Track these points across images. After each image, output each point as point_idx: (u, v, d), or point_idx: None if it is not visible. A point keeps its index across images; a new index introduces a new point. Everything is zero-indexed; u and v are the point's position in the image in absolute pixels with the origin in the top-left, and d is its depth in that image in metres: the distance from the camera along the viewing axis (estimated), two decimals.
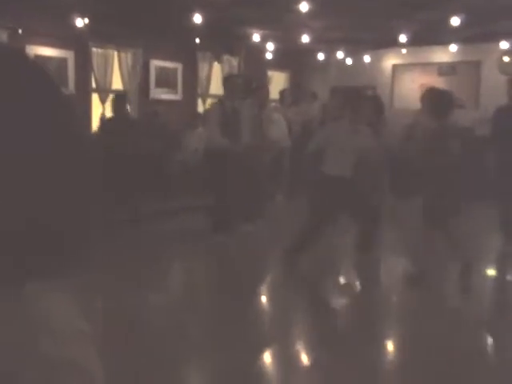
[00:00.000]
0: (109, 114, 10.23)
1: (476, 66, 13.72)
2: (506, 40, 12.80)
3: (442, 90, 6.89)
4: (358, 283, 6.73)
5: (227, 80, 8.17)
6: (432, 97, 6.49)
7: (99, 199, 0.76)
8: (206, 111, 8.32)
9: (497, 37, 12.49)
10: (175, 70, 12.18)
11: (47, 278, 0.70)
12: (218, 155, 7.50)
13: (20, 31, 9.31)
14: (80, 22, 9.83)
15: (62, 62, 10.25)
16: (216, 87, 12.90)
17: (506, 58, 13.46)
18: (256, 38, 11.82)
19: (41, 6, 8.84)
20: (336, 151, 6.45)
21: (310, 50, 13.61)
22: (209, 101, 12.28)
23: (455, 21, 10.29)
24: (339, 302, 6.06)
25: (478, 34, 11.96)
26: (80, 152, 0.71)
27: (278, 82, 14.63)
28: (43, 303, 0.70)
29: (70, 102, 0.72)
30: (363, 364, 4.30)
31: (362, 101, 7.44)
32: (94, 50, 10.70)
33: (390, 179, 7.60)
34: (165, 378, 3.98)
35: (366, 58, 14.42)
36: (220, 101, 7.88)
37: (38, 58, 9.46)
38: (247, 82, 9.28)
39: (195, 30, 10.47)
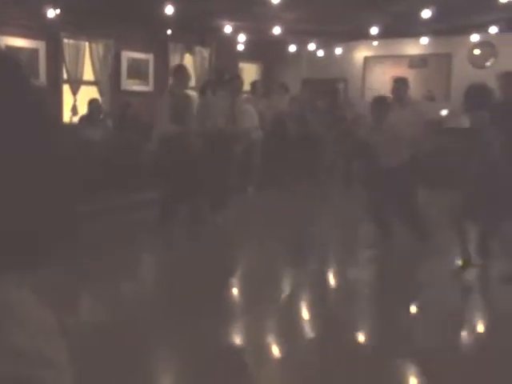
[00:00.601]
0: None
1: (447, 58, 13.83)
2: (476, 33, 12.93)
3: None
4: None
5: (176, 70, 8.27)
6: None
7: (71, 192, 0.76)
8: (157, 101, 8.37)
9: (467, 30, 12.60)
10: (147, 61, 12.13)
11: (19, 271, 0.71)
12: (167, 143, 7.57)
13: None
14: (51, 13, 9.75)
15: (34, 52, 10.15)
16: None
17: (476, 51, 13.60)
18: (228, 29, 11.81)
19: None
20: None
21: (282, 42, 13.62)
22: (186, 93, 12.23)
23: (426, 13, 10.37)
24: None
25: (448, 27, 12.06)
26: (50, 144, 0.72)
27: (249, 73, 14.61)
28: (13, 295, 0.70)
29: (40, 93, 0.73)
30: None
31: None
32: (65, 40, 10.59)
33: None
34: (134, 370, 3.98)
35: (338, 50, 14.46)
36: (170, 90, 7.94)
37: (9, 48, 9.36)
38: (219, 74, 9.33)
39: (167, 21, 10.43)
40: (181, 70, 8.19)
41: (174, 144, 7.55)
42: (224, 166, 8.61)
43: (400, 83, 7.92)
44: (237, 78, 9.10)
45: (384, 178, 6.82)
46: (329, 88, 13.12)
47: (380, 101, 7.11)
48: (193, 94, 9.13)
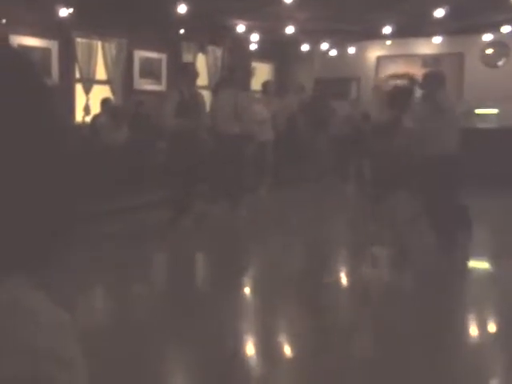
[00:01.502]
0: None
1: (459, 57, 13.79)
2: (488, 32, 12.89)
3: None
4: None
5: (184, 67, 8.34)
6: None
7: (80, 192, 0.76)
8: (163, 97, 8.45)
9: (480, 29, 12.56)
10: (159, 60, 12.13)
11: (29, 270, 0.71)
12: (177, 140, 7.61)
13: (3, 21, 9.22)
14: (64, 12, 9.77)
15: (46, 52, 10.15)
16: (200, 78, 12.86)
17: (488, 50, 13.55)
18: (240, 28, 11.81)
19: None
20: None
21: (294, 41, 13.62)
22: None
23: (439, 13, 10.34)
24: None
25: (461, 27, 12.03)
26: (62, 144, 0.71)
27: (262, 72, 14.62)
28: (26, 294, 0.70)
29: (52, 93, 0.72)
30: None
31: None
32: (77, 40, 10.59)
33: None
34: (141, 369, 3.99)
35: (351, 50, 14.45)
36: (178, 88, 7.96)
37: (22, 47, 9.37)
38: (231, 72, 9.34)
39: (180, 20, 10.44)
40: (188, 67, 8.23)
41: (183, 141, 7.58)
42: (235, 165, 8.64)
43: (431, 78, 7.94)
44: (238, 72, 9.18)
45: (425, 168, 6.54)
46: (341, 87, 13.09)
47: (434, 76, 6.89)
48: (202, 92, 9.12)
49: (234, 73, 9.23)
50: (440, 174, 6.32)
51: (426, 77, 6.79)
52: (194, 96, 7.89)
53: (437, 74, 6.81)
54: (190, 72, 7.93)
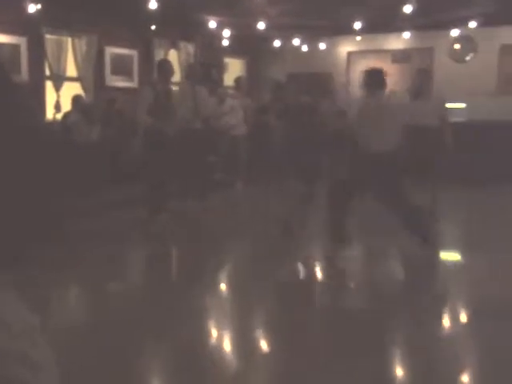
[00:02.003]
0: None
1: (429, 52, 13.94)
2: (456, 27, 13.05)
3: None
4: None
5: (160, 64, 8.31)
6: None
7: (53, 191, 0.75)
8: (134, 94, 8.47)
9: (448, 24, 12.71)
10: (131, 57, 12.04)
11: (1, 270, 0.70)
12: (148, 137, 7.64)
13: None
14: (32, 8, 9.65)
15: (15, 48, 10.00)
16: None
17: (456, 45, 13.72)
18: (212, 24, 11.79)
19: None
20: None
21: (266, 37, 13.63)
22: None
23: (408, 8, 10.45)
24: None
25: (430, 22, 12.15)
26: (31, 142, 0.71)
27: (234, 68, 14.63)
28: None
29: (20, 90, 0.72)
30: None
31: None
32: (47, 36, 10.47)
33: None
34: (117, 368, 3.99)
35: (322, 45, 14.53)
36: (151, 84, 7.96)
37: None
38: (204, 68, 9.37)
39: (151, 16, 10.38)
40: (164, 64, 8.23)
41: (156, 138, 7.59)
42: (207, 160, 8.72)
43: (422, 74, 8.05)
44: (194, 66, 9.24)
45: (371, 165, 6.48)
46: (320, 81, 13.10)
47: (374, 73, 6.88)
48: (176, 89, 9.15)
49: (200, 68, 9.27)
50: (381, 171, 6.38)
51: (366, 74, 6.91)
52: (168, 93, 7.89)
53: (377, 72, 6.91)
54: (166, 69, 7.93)
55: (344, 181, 6.78)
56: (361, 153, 6.52)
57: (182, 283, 6.01)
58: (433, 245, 6.61)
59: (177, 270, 6.97)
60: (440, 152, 7.90)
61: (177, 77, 12.77)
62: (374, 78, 6.69)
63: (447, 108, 8.09)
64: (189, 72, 9.08)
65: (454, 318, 5.07)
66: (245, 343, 4.46)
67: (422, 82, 8.10)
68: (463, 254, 7.25)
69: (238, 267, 6.73)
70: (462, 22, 12.48)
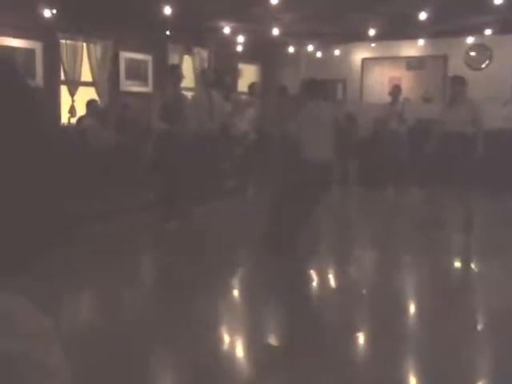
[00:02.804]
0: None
1: (443, 60, 13.89)
2: (471, 35, 13.02)
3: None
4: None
5: (170, 69, 8.37)
6: None
7: (67, 194, 0.75)
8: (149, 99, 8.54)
9: (463, 32, 12.67)
10: (145, 62, 12.08)
11: (10, 274, 0.70)
12: (160, 142, 7.66)
13: None
14: (48, 13, 9.70)
15: (30, 53, 10.04)
16: (187, 80, 12.84)
17: (471, 53, 13.66)
18: (226, 30, 11.81)
19: None
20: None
21: (280, 43, 13.64)
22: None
23: (423, 15, 10.42)
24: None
25: (445, 29, 12.12)
26: (46, 146, 0.70)
27: (248, 74, 14.64)
28: (5, 300, 0.69)
29: (35, 95, 0.71)
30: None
31: None
32: (62, 41, 10.51)
33: None
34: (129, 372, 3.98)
35: (336, 52, 14.51)
36: (163, 88, 7.98)
37: (4, 48, 9.30)
38: (218, 74, 9.40)
39: (165, 21, 10.42)
40: (173, 69, 8.27)
41: (168, 143, 7.61)
42: (219, 167, 8.77)
43: (458, 81, 8.07)
44: (209, 72, 9.30)
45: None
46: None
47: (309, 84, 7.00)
48: (191, 94, 9.21)
49: (214, 74, 9.32)
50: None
51: (301, 84, 6.98)
52: (179, 98, 7.91)
53: (312, 82, 6.97)
54: (175, 74, 7.95)
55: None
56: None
57: (192, 289, 6.00)
58: None
59: (187, 276, 6.96)
60: (472, 159, 7.88)
61: (190, 82, 12.84)
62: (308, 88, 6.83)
63: (481, 115, 8.07)
64: (204, 78, 9.12)
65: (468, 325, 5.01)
66: (256, 349, 4.43)
67: (457, 89, 8.08)
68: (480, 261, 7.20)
69: (248, 274, 6.70)
70: (477, 30, 12.43)
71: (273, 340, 4.70)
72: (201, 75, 9.56)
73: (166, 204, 7.89)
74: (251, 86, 11.72)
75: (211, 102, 8.71)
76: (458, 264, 7.28)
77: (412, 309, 5.58)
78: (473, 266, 7.21)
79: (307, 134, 6.56)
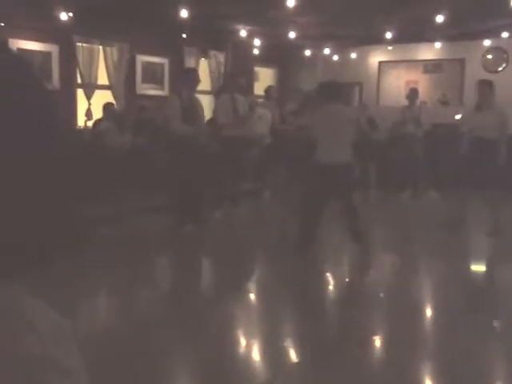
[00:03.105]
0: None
1: (460, 63, 13.82)
2: (488, 38, 12.95)
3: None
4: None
5: (186, 73, 8.41)
6: None
7: (82, 197, 0.76)
8: (165, 102, 8.59)
9: (480, 35, 12.60)
10: (162, 65, 12.10)
11: (25, 276, 0.70)
12: (181, 143, 7.66)
13: (2, 24, 9.19)
14: (64, 16, 9.74)
15: (46, 56, 10.09)
16: (203, 83, 12.85)
17: (488, 56, 13.59)
18: (243, 33, 11.81)
19: None
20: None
21: (297, 46, 13.62)
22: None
23: (440, 18, 10.36)
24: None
25: (462, 32, 12.06)
26: (62, 149, 0.70)
27: (264, 77, 14.64)
28: (24, 302, 0.69)
29: (52, 97, 0.71)
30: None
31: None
32: (78, 44, 10.54)
33: None
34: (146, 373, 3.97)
35: (353, 55, 14.48)
36: (178, 92, 7.99)
37: (21, 51, 9.33)
38: (235, 78, 9.46)
39: (182, 25, 10.43)
40: (189, 73, 8.28)
41: (186, 146, 7.62)
42: (237, 168, 8.79)
43: (485, 86, 8.06)
44: (237, 76, 9.34)
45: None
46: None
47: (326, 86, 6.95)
48: (205, 97, 9.27)
49: (235, 78, 9.35)
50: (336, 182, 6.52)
51: (319, 87, 6.94)
52: (194, 101, 7.92)
53: (330, 84, 6.93)
54: (192, 78, 7.96)
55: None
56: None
57: (208, 292, 5.99)
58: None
59: (203, 279, 6.95)
60: (497, 164, 7.85)
61: (207, 85, 12.85)
62: (326, 90, 6.79)
63: (507, 120, 8.04)
64: (227, 82, 9.17)
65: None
66: (272, 353, 4.40)
67: (485, 94, 8.06)
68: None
69: (266, 277, 6.67)
70: (494, 33, 12.37)
71: (289, 344, 4.67)
72: (226, 79, 9.60)
73: (181, 208, 7.90)
74: (268, 90, 11.69)
75: (236, 105, 8.78)
76: (482, 268, 7.19)
77: (430, 312, 5.52)
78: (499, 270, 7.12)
79: (324, 136, 6.53)
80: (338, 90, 6.83)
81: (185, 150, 7.63)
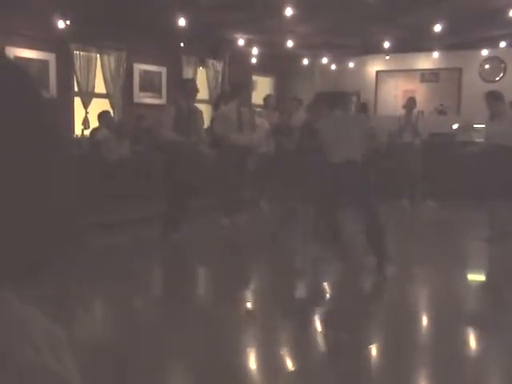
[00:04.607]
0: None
1: (458, 72, 13.85)
2: (486, 47, 12.99)
3: None
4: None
5: (185, 83, 8.43)
6: None
7: (78, 205, 0.75)
8: (162, 111, 8.63)
9: (478, 44, 12.65)
10: (159, 73, 12.08)
11: (21, 283, 0.69)
12: (171, 151, 7.67)
13: None
14: (62, 24, 9.73)
15: (44, 64, 10.06)
16: (201, 92, 12.84)
17: (486, 66, 13.63)
18: (241, 42, 11.82)
19: (21, 6, 8.76)
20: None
21: (295, 55, 13.64)
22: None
23: (437, 28, 10.40)
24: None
25: (459, 42, 12.11)
26: (60, 156, 0.69)
27: (262, 86, 14.65)
28: (18, 309, 0.69)
29: (50, 106, 0.70)
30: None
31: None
32: (76, 52, 10.53)
33: None
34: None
35: (350, 64, 14.51)
36: (176, 101, 8.00)
37: (18, 59, 9.31)
38: (234, 87, 9.46)
39: (180, 33, 10.43)
40: (187, 84, 8.30)
41: (180, 155, 7.62)
42: (235, 177, 8.82)
43: (497, 98, 8.12)
44: (243, 88, 9.36)
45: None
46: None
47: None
48: (202, 106, 9.28)
49: (234, 87, 9.37)
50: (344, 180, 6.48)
51: (322, 97, 7.11)
52: (193, 111, 7.92)
53: (331, 94, 7.08)
54: (189, 88, 7.97)
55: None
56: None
57: (200, 300, 5.96)
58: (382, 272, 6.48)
59: (198, 287, 6.92)
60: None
61: (205, 94, 12.85)
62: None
63: None
64: (230, 91, 9.20)
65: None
66: (270, 362, 4.36)
67: (497, 106, 8.11)
68: None
69: (260, 286, 6.64)
70: (491, 42, 12.42)
71: (288, 353, 4.63)
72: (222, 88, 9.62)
73: (171, 216, 7.89)
74: (266, 99, 11.66)
75: (241, 116, 8.83)
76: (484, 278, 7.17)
77: (424, 320, 5.49)
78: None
79: (334, 139, 6.56)
80: (340, 98, 6.86)
81: (178, 160, 7.64)
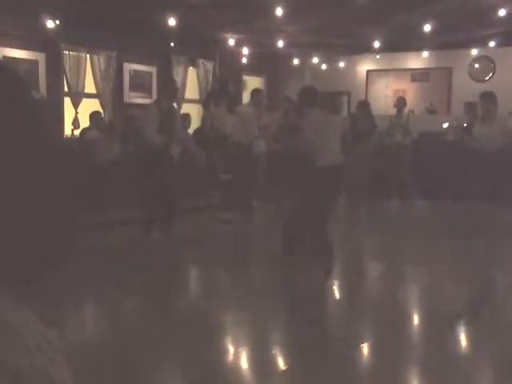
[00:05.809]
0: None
1: (448, 72, 13.90)
2: (475, 47, 13.05)
3: None
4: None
5: (164, 83, 8.47)
6: None
7: (70, 205, 0.74)
8: (144, 112, 8.57)
9: (467, 44, 12.70)
10: (149, 73, 12.05)
11: (14, 288, 0.69)
12: (153, 153, 7.63)
13: None
14: (51, 24, 9.68)
15: (33, 64, 10.00)
16: (191, 91, 12.82)
17: (476, 65, 13.68)
18: (231, 42, 11.79)
19: (10, 6, 8.70)
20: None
21: (285, 55, 13.64)
22: (184, 105, 12.23)
23: (427, 28, 10.43)
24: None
25: (449, 41, 12.15)
26: (50, 156, 0.69)
27: (253, 86, 14.60)
28: (10, 312, 0.69)
29: (40, 106, 0.70)
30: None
31: None
32: (65, 52, 10.47)
33: None
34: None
35: (341, 64, 14.52)
36: (157, 102, 7.98)
37: (7, 59, 9.26)
38: (222, 84, 9.42)
39: (170, 33, 10.39)
40: (168, 83, 8.30)
41: (158, 156, 7.61)
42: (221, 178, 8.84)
43: (489, 99, 8.12)
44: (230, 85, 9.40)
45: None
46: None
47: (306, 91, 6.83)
48: (177, 107, 9.23)
49: (221, 83, 9.34)
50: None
51: (299, 91, 6.88)
52: (171, 111, 7.91)
53: (308, 89, 6.89)
54: (170, 87, 7.95)
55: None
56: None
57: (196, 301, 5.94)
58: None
59: (189, 287, 6.90)
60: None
61: (195, 94, 12.82)
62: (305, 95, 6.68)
63: (509, 131, 8.13)
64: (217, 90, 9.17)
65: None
66: (261, 361, 4.35)
67: (489, 107, 8.14)
68: None
69: (249, 289, 6.63)
70: (481, 42, 12.47)
71: (279, 352, 4.62)
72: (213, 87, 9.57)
73: (151, 215, 7.88)
74: (253, 93, 11.03)
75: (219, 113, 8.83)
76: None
77: (416, 319, 5.50)
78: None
79: (321, 140, 6.43)
80: (316, 95, 6.72)
81: (158, 160, 7.62)
